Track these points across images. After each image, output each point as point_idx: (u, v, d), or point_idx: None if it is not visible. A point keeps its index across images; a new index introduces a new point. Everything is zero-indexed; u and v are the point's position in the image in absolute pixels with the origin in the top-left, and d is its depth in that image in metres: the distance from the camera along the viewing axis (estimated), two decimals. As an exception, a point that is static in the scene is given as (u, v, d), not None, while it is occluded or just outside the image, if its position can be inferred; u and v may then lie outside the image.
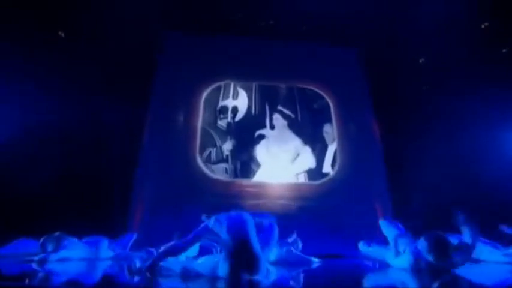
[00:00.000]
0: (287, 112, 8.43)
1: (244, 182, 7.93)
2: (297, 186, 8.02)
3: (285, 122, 8.36)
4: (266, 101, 8.46)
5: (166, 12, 7.84)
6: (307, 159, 8.18)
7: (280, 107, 8.43)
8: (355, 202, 7.63)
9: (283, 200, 7.71)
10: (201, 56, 8.34)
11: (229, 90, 8.45)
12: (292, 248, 6.04)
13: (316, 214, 7.45)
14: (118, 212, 7.18)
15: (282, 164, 8.11)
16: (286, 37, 8.45)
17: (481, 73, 7.69)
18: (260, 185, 7.91)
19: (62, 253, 5.66)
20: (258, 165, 8.09)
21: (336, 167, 8.06)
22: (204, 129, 8.12)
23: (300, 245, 6.21)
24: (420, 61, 8.73)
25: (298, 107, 8.50)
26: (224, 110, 8.30)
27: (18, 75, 7.18)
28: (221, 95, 8.38)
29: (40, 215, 6.56)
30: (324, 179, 8.07)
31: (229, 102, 8.37)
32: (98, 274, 5.09)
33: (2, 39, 7.04)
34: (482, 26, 8.10)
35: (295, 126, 8.40)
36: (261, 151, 8.13)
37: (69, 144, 7.41)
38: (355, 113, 8.49)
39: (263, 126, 8.32)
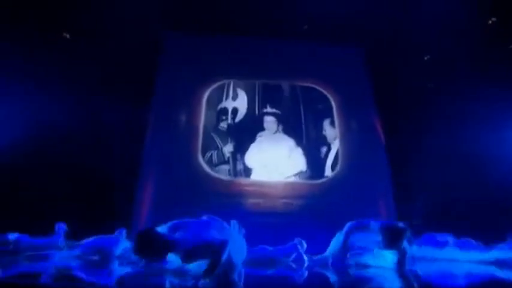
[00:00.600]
0: (282, 113, 8.36)
1: (247, 180, 7.88)
2: (299, 185, 7.97)
3: (278, 123, 8.26)
4: (264, 102, 8.40)
5: (166, 12, 7.86)
6: (297, 160, 8.09)
7: (274, 108, 8.35)
8: (357, 201, 7.54)
9: (285, 199, 7.69)
10: (202, 56, 8.31)
11: (229, 91, 8.43)
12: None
13: (317, 213, 7.41)
14: (121, 212, 7.19)
15: (272, 165, 8.01)
16: (287, 36, 8.42)
17: (486, 71, 7.63)
18: (262, 184, 7.87)
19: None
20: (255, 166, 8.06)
21: (338, 166, 7.99)
22: (205, 132, 8.07)
23: (305, 245, 6.22)
24: (425, 58, 8.67)
25: (296, 107, 8.45)
26: (224, 111, 8.28)
27: (20, 76, 7.27)
28: (223, 97, 8.36)
29: (43, 214, 6.62)
30: (326, 178, 8.03)
31: (229, 104, 8.35)
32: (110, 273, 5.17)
33: (5, 40, 7.11)
34: (490, 22, 8.03)
35: (290, 128, 8.34)
36: (252, 152, 8.06)
37: (72, 145, 7.47)
38: (358, 111, 8.40)
39: (261, 127, 8.28)
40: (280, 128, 8.27)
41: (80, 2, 7.53)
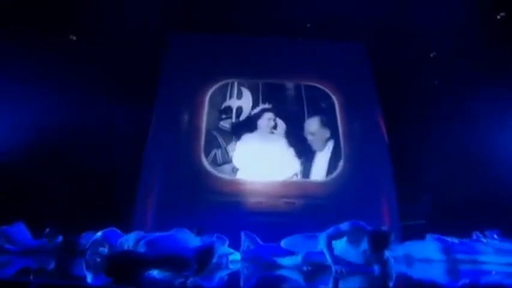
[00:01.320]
0: (285, 112, 8.33)
1: (249, 180, 7.87)
2: (301, 184, 7.95)
3: (274, 121, 8.21)
4: (267, 101, 8.35)
5: (170, 12, 7.89)
6: (289, 163, 8.00)
7: (271, 105, 8.33)
8: (360, 201, 7.50)
9: (287, 198, 7.67)
10: (204, 55, 8.34)
11: (234, 90, 8.41)
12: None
13: (320, 212, 7.36)
14: (124, 211, 7.27)
15: (263, 166, 7.95)
16: (290, 35, 8.41)
17: (491, 69, 7.48)
18: (265, 183, 7.85)
19: None
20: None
21: (341, 166, 7.92)
22: (207, 131, 8.09)
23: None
24: (431, 55, 8.54)
25: (300, 106, 8.38)
26: (227, 110, 8.25)
27: (25, 76, 7.39)
28: (227, 96, 8.35)
29: (46, 214, 6.72)
30: (329, 178, 7.97)
31: (234, 103, 8.31)
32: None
33: (8, 41, 7.22)
34: (498, 17, 7.86)
35: (294, 127, 8.28)
36: (240, 152, 8.02)
37: (75, 145, 7.57)
38: (361, 110, 8.32)
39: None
40: (282, 127, 8.22)
41: (82, 3, 7.59)
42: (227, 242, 5.67)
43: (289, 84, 8.52)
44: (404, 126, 7.88)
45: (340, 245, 4.80)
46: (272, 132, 8.20)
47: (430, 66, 8.30)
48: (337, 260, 4.69)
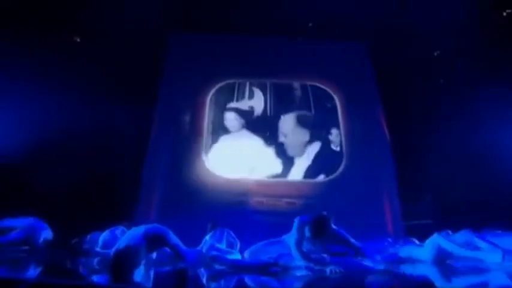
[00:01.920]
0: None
1: (251, 179, 7.85)
2: (303, 184, 7.95)
3: (240, 120, 8.17)
4: (276, 102, 8.32)
5: (170, 12, 7.86)
6: (268, 162, 7.92)
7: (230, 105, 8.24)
8: (362, 201, 7.49)
9: (288, 198, 7.65)
10: (205, 55, 8.29)
11: (245, 90, 8.39)
12: None
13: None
14: (126, 212, 7.23)
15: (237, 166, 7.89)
16: (290, 35, 8.37)
17: (496, 68, 7.49)
18: (266, 183, 7.85)
19: None
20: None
21: (342, 165, 7.89)
22: (213, 131, 8.08)
23: None
24: (435, 54, 8.55)
25: (307, 106, 8.36)
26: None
27: (27, 76, 7.38)
28: (236, 96, 8.32)
29: (47, 214, 6.68)
30: (330, 178, 7.95)
31: (244, 103, 8.27)
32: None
33: (10, 41, 7.21)
34: (504, 14, 7.87)
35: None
36: (214, 153, 7.96)
37: (76, 146, 7.55)
38: (363, 109, 8.26)
39: (274, 126, 8.20)
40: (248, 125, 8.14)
41: (82, 3, 7.58)
42: (238, 245, 5.66)
43: (298, 85, 8.50)
44: (406, 126, 7.87)
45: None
46: (241, 131, 8.15)
47: (431, 66, 8.31)
48: (323, 261, 4.67)
